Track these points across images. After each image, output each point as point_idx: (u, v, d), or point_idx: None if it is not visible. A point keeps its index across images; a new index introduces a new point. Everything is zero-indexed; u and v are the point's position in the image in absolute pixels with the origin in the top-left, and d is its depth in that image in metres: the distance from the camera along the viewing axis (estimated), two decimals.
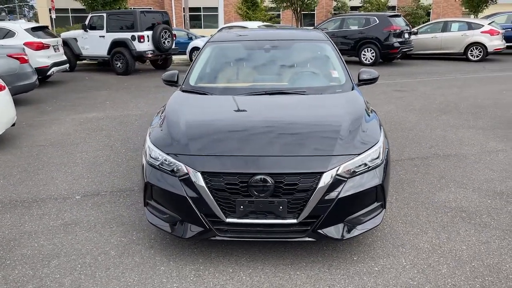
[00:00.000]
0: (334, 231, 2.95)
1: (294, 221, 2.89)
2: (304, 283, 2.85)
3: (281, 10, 33.84)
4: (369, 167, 3.01)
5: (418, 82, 11.18)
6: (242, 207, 2.86)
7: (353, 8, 33.31)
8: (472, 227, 3.55)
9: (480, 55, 15.41)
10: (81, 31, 14.34)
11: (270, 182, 2.81)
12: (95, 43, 13.97)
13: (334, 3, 34.27)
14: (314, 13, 35.18)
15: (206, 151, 3.02)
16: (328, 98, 3.81)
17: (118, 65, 13.57)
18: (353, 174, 2.94)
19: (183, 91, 4.04)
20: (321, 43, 4.59)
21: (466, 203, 4.01)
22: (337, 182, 2.87)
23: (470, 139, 6.04)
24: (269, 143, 3.04)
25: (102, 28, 13.82)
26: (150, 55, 13.56)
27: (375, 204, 3.11)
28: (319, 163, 2.89)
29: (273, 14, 31.73)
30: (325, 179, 2.83)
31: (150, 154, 3.20)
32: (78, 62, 14.99)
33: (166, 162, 3.06)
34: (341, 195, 2.87)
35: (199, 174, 2.89)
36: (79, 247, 3.35)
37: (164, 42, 13.70)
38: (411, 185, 4.43)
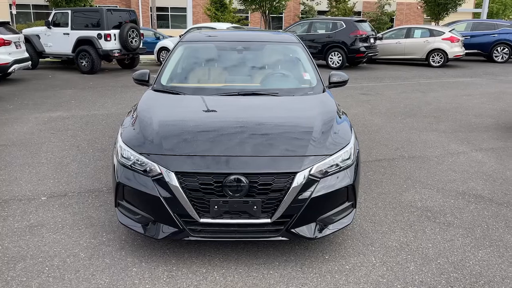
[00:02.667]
0: (306, 230, 3.00)
1: (268, 220, 2.91)
2: (277, 282, 2.88)
3: (249, 12, 34.00)
4: (341, 167, 3.08)
5: (383, 86, 11.47)
6: (216, 207, 2.86)
7: (320, 13, 33.82)
8: (437, 226, 3.68)
9: (441, 61, 15.97)
10: (44, 27, 13.91)
11: (245, 182, 2.82)
12: (59, 40, 13.59)
13: (302, 7, 34.64)
14: (282, 16, 35.47)
15: (180, 151, 3.00)
16: (300, 100, 3.87)
17: (83, 64, 13.25)
18: (325, 174, 2.99)
19: (155, 90, 4.01)
20: (293, 45, 4.65)
21: (431, 203, 4.16)
22: (310, 182, 2.91)
23: (433, 142, 6.26)
24: (243, 143, 3.05)
25: (66, 25, 13.46)
26: (117, 54, 13.31)
27: (346, 204, 3.17)
28: (293, 163, 2.93)
29: (242, 16, 31.77)
30: (299, 179, 2.87)
31: (122, 154, 3.15)
32: (40, 59, 14.53)
33: (139, 162, 3.02)
34: (313, 195, 2.92)
35: (172, 174, 2.87)
36: (46, 249, 3.25)
37: (131, 41, 13.49)
38: (379, 186, 4.55)
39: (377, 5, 32.41)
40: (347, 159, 3.14)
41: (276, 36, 5.11)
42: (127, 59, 14.54)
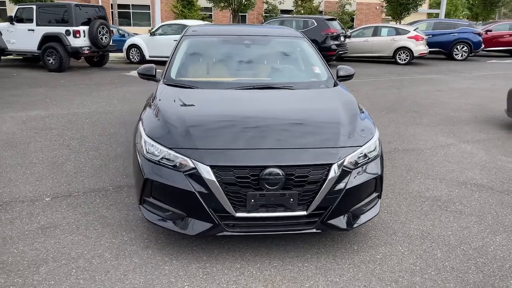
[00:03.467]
0: (341, 221, 3.02)
1: (304, 213, 2.91)
2: (315, 274, 2.88)
3: (213, 10, 33.78)
4: (369, 158, 3.12)
5: (359, 83, 11.70)
6: (253, 200, 2.83)
7: (284, 12, 34.10)
8: (450, 214, 3.80)
9: (407, 59, 16.51)
10: (6, 23, 13.26)
11: (281, 174, 2.80)
12: (23, 37, 12.98)
13: (265, 6, 34.80)
14: (245, 15, 35.47)
15: (214, 145, 2.93)
16: (318, 93, 3.89)
17: (50, 61, 12.71)
18: (356, 165, 3.02)
19: (168, 85, 3.89)
20: (299, 39, 4.66)
21: (437, 192, 4.29)
22: (344, 174, 2.93)
23: (421, 135, 6.46)
24: (276, 136, 3.03)
25: (31, 21, 12.86)
26: (86, 52, 12.87)
27: (374, 194, 3.22)
28: (328, 155, 2.93)
29: (205, 14, 31.53)
30: (334, 171, 2.89)
31: (147, 149, 3.05)
32: (2, 57, 13.82)
33: (168, 157, 2.94)
34: (348, 186, 2.94)
35: (208, 168, 2.81)
36: (66, 251, 3.10)
37: (101, 38, 13.07)
38: (384, 178, 4.62)
39: (338, 4, 33.06)
40: (373, 150, 3.19)
41: (280, 30, 5.10)
42: (96, 56, 14.09)
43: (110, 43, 13.75)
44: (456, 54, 18.39)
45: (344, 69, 4.41)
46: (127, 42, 15.59)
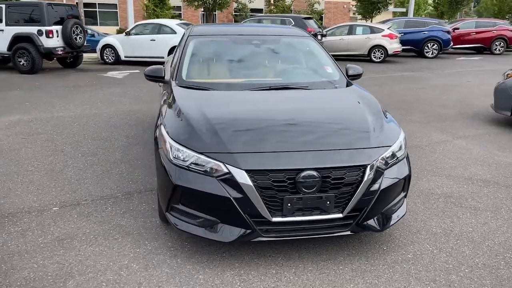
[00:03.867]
0: (375, 222, 3.00)
1: (340, 215, 2.87)
2: (353, 277, 2.85)
3: (182, 9, 33.36)
4: (398, 158, 3.11)
5: None
6: (289, 204, 2.77)
7: (254, 10, 34.09)
8: (467, 211, 3.86)
9: (382, 56, 16.81)
10: None
11: (318, 177, 2.75)
12: None
13: (235, 5, 34.67)
14: (215, 14, 35.22)
15: (246, 149, 2.85)
16: (338, 93, 3.85)
17: (21, 63, 12.19)
18: (387, 165, 3.01)
19: (182, 86, 3.75)
20: (306, 39, 4.62)
21: (447, 189, 4.35)
22: (378, 174, 2.91)
23: (415, 132, 6.56)
24: (308, 138, 2.97)
25: (0, 21, 12.29)
26: (60, 52, 12.41)
27: (402, 194, 3.22)
28: (362, 156, 2.90)
29: (175, 13, 31.10)
30: (369, 171, 2.86)
31: (175, 155, 2.93)
32: None
33: (199, 162, 2.83)
34: (382, 187, 2.92)
35: (244, 172, 2.72)
36: (90, 263, 2.95)
37: (76, 38, 12.64)
38: None
39: (307, 3, 33.32)
40: (400, 149, 3.18)
41: (286, 30, 5.02)
42: (70, 57, 13.62)
43: (85, 44, 13.32)
44: (427, 52, 18.85)
45: (353, 68, 4.40)
46: (101, 42, 15.13)
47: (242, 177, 2.72)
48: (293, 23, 15.06)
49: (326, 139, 3.00)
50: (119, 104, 8.23)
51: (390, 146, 3.07)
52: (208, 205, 2.85)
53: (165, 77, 4.04)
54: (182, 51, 4.21)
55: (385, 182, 2.95)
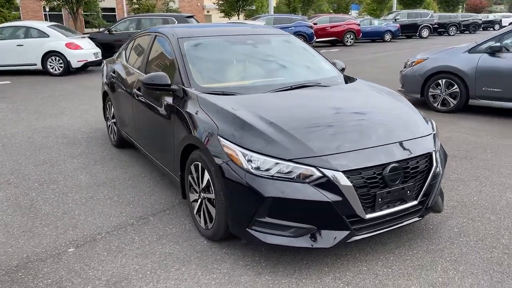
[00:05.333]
0: (438, 205, 3.22)
1: (415, 202, 3.01)
2: (410, 273, 3.01)
3: (21, 10, 29.80)
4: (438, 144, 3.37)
5: None
6: (380, 199, 2.81)
7: (106, 10, 32.40)
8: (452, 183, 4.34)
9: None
10: None
11: (400, 168, 2.85)
12: None
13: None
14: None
15: (333, 150, 2.78)
16: (355, 87, 3.93)
17: None
18: (437, 150, 3.24)
19: (208, 93, 3.41)
20: (293, 37, 4.66)
21: None
22: (438, 159, 3.13)
23: None
24: (377, 132, 3.02)
25: None
26: None
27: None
28: (427, 143, 3.09)
29: (16, 13, 27.62)
30: (435, 157, 3.06)
31: (254, 165, 2.71)
32: None
33: (285, 170, 2.69)
34: (441, 171, 3.15)
35: (341, 174, 2.68)
36: None
37: None
38: None
39: (161, 1, 32.69)
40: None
41: (266, 29, 4.86)
42: None
43: None
44: None
45: (339, 63, 4.56)
46: None
47: (340, 179, 2.67)
48: (176, 22, 14.67)
49: (391, 132, 3.09)
50: (24, 122, 7.08)
51: (434, 132, 3.31)
52: (302, 212, 2.72)
53: (171, 85, 3.62)
54: (176, 56, 3.82)
55: (441, 166, 3.19)
